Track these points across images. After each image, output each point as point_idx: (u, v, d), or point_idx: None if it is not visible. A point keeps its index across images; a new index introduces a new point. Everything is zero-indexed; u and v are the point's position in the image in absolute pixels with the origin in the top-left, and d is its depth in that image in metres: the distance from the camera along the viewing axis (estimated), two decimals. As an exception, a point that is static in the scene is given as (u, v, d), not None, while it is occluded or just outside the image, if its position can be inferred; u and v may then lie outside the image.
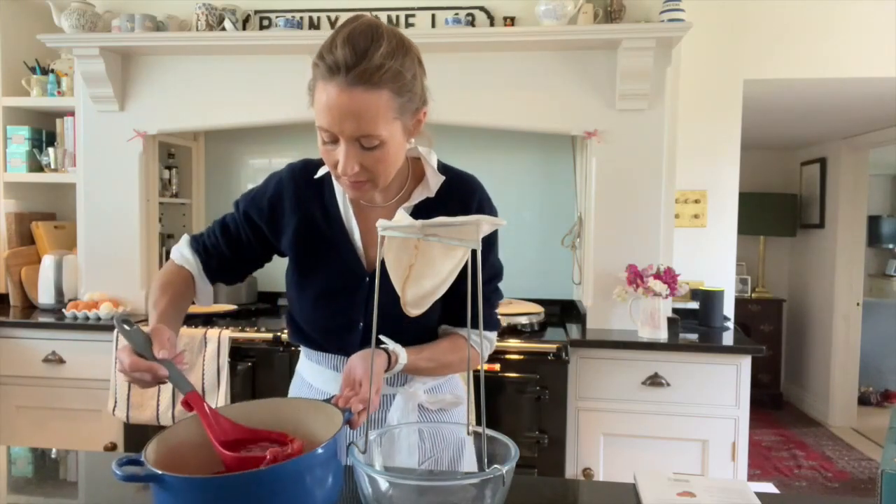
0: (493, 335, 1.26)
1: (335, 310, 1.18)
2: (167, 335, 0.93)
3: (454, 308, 1.18)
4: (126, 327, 0.92)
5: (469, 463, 1.02)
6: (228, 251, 1.22)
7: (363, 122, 0.95)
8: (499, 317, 1.30)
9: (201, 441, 0.85)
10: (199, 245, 1.23)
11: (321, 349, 1.24)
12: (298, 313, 1.23)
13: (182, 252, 1.23)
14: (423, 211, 1.14)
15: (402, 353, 1.11)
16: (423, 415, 1.21)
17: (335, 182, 1.17)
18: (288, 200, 1.19)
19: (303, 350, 1.30)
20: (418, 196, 1.15)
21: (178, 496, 0.71)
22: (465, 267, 0.85)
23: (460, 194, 1.18)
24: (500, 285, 1.27)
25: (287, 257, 1.24)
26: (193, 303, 1.23)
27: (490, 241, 1.20)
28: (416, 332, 1.17)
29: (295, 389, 1.32)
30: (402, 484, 0.78)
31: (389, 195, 1.16)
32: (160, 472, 0.71)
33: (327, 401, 0.95)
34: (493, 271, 1.23)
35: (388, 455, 1.03)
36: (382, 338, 1.12)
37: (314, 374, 1.26)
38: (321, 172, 1.19)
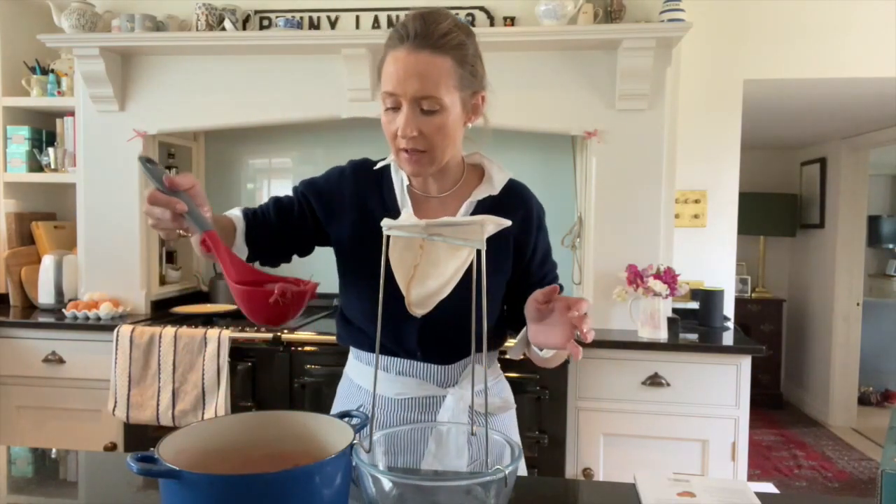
0: None
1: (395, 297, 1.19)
2: (192, 177, 0.94)
3: (528, 294, 1.20)
4: (149, 165, 0.90)
5: None
6: (276, 219, 1.22)
7: (426, 83, 1.02)
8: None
9: (206, 446, 0.86)
10: (249, 210, 1.23)
11: (373, 349, 1.23)
12: (356, 311, 1.23)
13: (231, 211, 1.23)
14: (484, 210, 1.17)
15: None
16: (471, 418, 1.21)
17: (393, 174, 1.21)
18: (348, 191, 1.21)
19: (352, 352, 1.30)
20: (481, 193, 1.19)
21: (195, 493, 0.71)
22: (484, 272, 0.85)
23: (522, 198, 1.23)
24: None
25: (335, 257, 1.25)
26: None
27: (542, 233, 1.26)
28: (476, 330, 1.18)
29: (343, 391, 1.32)
30: (405, 484, 0.78)
31: (445, 186, 1.19)
32: (178, 468, 0.71)
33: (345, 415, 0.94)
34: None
35: (440, 457, 1.05)
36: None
37: (363, 376, 1.26)
38: (380, 165, 1.23)
